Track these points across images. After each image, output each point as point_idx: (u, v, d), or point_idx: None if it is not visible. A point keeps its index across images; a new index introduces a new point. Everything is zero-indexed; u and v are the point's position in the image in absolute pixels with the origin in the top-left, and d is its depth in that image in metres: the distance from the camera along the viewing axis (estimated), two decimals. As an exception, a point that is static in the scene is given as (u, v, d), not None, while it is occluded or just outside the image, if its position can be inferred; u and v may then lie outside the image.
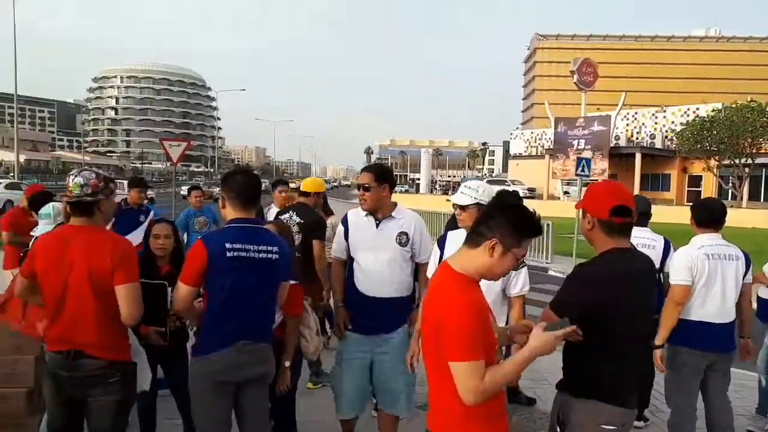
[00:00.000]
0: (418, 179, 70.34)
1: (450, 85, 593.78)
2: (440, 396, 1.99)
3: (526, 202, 2.09)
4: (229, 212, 2.91)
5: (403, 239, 3.51)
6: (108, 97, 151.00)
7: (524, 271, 3.32)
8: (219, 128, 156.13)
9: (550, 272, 12.67)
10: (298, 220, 4.89)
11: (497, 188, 2.79)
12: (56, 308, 2.72)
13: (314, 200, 5.30)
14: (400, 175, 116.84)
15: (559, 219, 15.57)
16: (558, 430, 2.48)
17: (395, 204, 3.61)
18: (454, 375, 1.87)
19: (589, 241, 2.53)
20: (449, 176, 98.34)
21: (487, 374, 1.87)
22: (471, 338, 1.85)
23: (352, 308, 3.59)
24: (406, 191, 59.46)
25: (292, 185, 6.77)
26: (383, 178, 3.50)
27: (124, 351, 2.80)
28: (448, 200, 4.14)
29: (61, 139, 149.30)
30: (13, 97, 35.28)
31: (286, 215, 5.02)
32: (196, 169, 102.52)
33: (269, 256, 2.85)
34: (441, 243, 3.57)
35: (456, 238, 3.38)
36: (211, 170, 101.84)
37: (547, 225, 12.87)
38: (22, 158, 45.16)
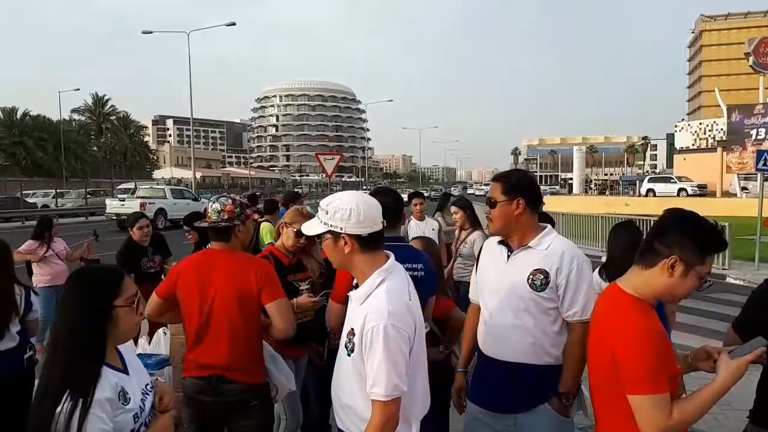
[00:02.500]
0: (571, 179, 67.28)
1: (604, 77, 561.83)
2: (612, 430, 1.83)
3: (697, 201, 1.81)
4: None
5: (538, 280, 2.45)
6: (269, 115, 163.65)
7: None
8: (368, 139, 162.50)
9: (729, 279, 11.33)
10: None
11: (357, 195, 2.05)
12: (200, 332, 2.80)
13: None
14: (550, 176, 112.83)
15: (738, 219, 13.92)
16: None
17: (543, 227, 2.58)
18: (634, 410, 1.68)
19: None
20: (605, 174, 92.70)
21: (674, 410, 1.66)
22: (654, 369, 1.66)
23: (476, 370, 2.74)
24: (555, 193, 56.91)
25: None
26: (514, 189, 2.51)
27: (261, 375, 2.87)
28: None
29: (230, 156, 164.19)
30: (188, 120, 39.55)
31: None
32: (348, 179, 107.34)
33: (414, 273, 2.79)
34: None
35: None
36: (362, 180, 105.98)
37: (723, 226, 11.56)
38: (198, 175, 50.60)
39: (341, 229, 1.95)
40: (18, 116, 57.70)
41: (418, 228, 6.61)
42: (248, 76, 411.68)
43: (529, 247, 2.48)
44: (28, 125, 57.22)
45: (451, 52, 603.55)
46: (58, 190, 37.71)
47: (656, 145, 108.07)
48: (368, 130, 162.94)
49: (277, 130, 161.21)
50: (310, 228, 2.07)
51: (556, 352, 2.47)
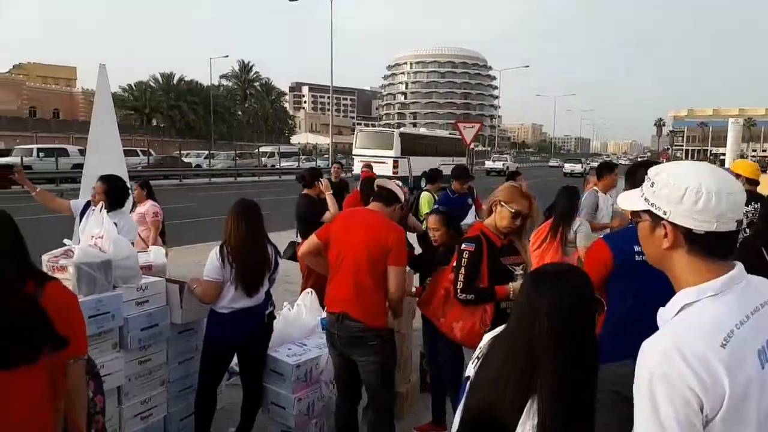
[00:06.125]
0: (722, 155, 61.25)
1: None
2: None
3: None
4: None
5: None
6: (399, 83, 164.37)
7: None
8: (497, 107, 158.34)
9: None
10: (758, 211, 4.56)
11: (708, 172, 1.30)
12: (335, 272, 3.21)
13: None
14: (698, 150, 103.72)
15: None
16: None
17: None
18: None
19: None
20: (765, 151, 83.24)
21: None
22: None
23: None
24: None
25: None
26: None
27: (382, 320, 3.17)
28: None
29: (359, 123, 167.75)
30: (323, 87, 40.66)
31: (749, 207, 4.78)
32: (474, 148, 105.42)
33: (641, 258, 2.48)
34: None
35: None
36: (488, 149, 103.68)
37: None
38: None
39: (661, 211, 1.32)
40: (174, 81, 62.74)
41: (604, 201, 6.11)
42: (381, 44, 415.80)
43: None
44: (182, 90, 62.13)
45: (594, 17, 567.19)
46: (208, 152, 40.62)
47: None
48: (498, 97, 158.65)
49: (405, 98, 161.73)
50: (627, 200, 1.47)
51: None
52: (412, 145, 25.52)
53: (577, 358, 1.52)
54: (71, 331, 1.88)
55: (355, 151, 26.91)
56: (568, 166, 49.61)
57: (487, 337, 1.78)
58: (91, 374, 2.24)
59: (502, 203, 3.17)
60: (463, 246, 3.15)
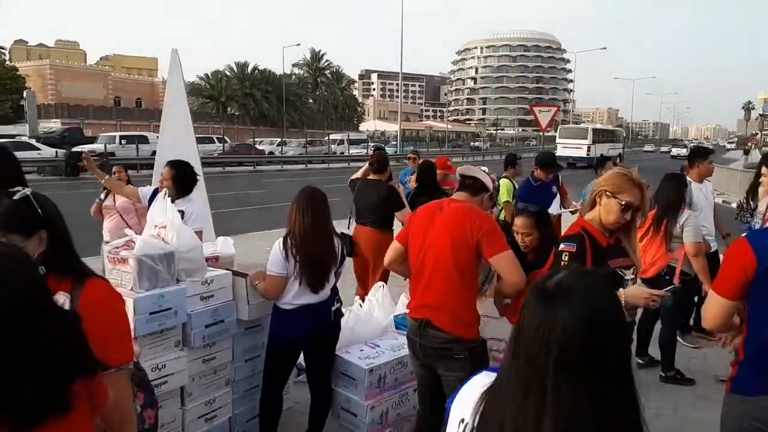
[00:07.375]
0: (824, 140, 56.44)
1: None
2: None
3: None
4: None
5: None
6: (468, 68, 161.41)
7: None
8: (572, 91, 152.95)
9: None
10: None
11: None
12: (417, 276, 2.86)
13: None
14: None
15: None
16: None
17: None
18: None
19: None
20: None
21: None
22: None
23: None
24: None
25: None
26: None
27: (471, 330, 2.78)
28: None
29: (428, 110, 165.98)
30: (392, 74, 40.29)
31: None
32: (547, 134, 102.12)
33: None
34: None
35: None
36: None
37: None
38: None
39: None
40: (248, 70, 64.07)
41: (699, 192, 5.44)
42: (451, 30, 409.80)
43: None
44: (256, 78, 63.34)
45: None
46: (281, 139, 41.22)
47: None
48: (572, 81, 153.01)
49: (475, 83, 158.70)
50: None
51: None
52: (597, 136, 36.22)
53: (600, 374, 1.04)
54: (111, 342, 1.53)
55: (558, 141, 36.03)
56: (675, 150, 60.02)
57: (474, 390, 1.23)
58: (141, 384, 1.98)
59: (608, 193, 2.60)
60: (562, 246, 2.61)
